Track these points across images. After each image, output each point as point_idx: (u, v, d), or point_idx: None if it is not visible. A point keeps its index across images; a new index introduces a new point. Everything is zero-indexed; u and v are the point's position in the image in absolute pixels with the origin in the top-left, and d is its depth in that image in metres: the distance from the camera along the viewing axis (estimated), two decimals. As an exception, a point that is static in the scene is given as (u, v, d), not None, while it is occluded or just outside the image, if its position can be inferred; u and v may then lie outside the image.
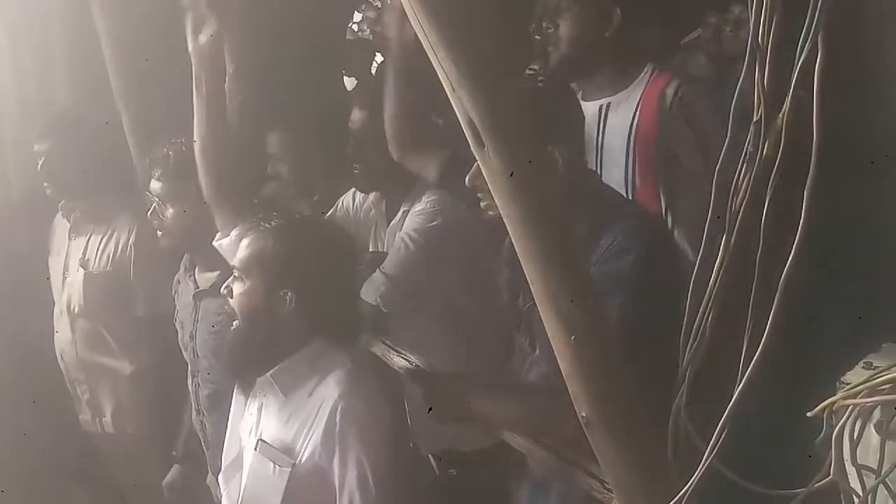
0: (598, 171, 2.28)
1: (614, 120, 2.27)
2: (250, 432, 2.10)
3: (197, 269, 2.65)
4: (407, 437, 2.05)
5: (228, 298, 2.06)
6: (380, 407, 2.00)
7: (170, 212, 2.55)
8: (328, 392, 1.97)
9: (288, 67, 3.00)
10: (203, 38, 2.23)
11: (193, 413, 2.73)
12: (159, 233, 2.61)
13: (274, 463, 2.00)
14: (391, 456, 1.97)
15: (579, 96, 2.37)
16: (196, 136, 2.34)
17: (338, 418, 1.93)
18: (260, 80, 2.70)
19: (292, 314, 1.98)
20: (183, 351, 2.73)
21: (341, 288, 2.08)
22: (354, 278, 2.19)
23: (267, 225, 2.02)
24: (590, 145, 2.29)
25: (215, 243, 2.38)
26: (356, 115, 2.56)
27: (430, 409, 2.01)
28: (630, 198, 2.25)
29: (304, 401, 2.00)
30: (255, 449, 2.04)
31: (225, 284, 2.10)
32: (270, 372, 2.03)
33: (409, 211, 2.51)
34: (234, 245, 2.15)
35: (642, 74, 2.27)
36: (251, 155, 2.57)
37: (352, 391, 1.96)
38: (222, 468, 2.19)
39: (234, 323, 2.07)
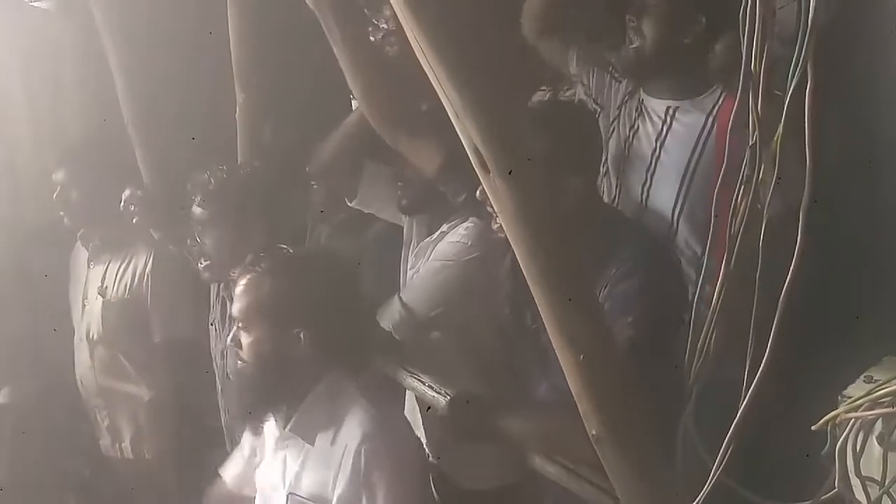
0: (653, 168, 2.29)
1: (681, 126, 2.26)
2: (276, 486, 2.05)
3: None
4: (425, 469, 2.03)
5: (238, 350, 1.99)
6: (404, 446, 1.96)
7: (209, 239, 2.53)
8: (351, 435, 1.92)
9: (298, 91, 3.03)
10: None
11: (229, 443, 2.73)
12: (201, 264, 2.57)
13: None
14: (419, 495, 1.94)
15: (642, 90, 2.37)
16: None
17: (362, 463, 1.88)
18: (272, 108, 2.74)
19: (306, 352, 1.92)
20: (214, 361, 2.75)
21: (347, 314, 2.00)
22: (358, 303, 2.09)
23: (258, 268, 1.96)
24: (648, 142, 2.30)
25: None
26: None
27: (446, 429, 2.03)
28: (682, 205, 2.24)
29: (328, 447, 1.95)
30: (286, 501, 1.99)
31: (231, 336, 2.03)
32: (289, 426, 1.98)
33: (446, 233, 2.41)
34: None
35: (713, 90, 2.25)
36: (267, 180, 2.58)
37: (374, 433, 1.90)
38: None
39: (239, 363, 2.00)
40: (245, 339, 1.96)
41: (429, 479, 2.02)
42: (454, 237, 2.38)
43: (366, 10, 2.62)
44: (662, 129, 2.30)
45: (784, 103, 1.22)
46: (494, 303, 2.27)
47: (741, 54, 1.35)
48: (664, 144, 2.29)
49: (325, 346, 1.94)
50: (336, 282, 2.00)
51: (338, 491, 1.91)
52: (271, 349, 1.93)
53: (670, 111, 2.29)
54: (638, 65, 2.30)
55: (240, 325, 1.97)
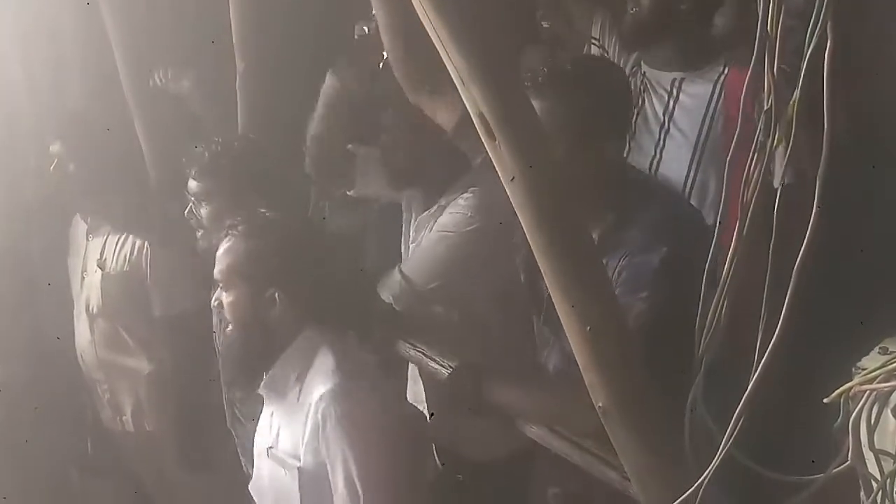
0: (661, 142, 2.27)
1: (689, 98, 2.26)
2: (264, 442, 2.11)
3: None
4: (409, 434, 2.01)
5: (221, 310, 2.06)
6: (366, 405, 1.95)
7: (204, 210, 2.55)
8: (314, 391, 1.95)
9: (299, 64, 3.00)
10: None
11: (228, 418, 2.74)
12: (198, 233, 2.59)
13: (284, 469, 2.01)
14: (380, 456, 1.92)
15: (643, 62, 2.36)
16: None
17: (320, 419, 1.91)
18: (272, 77, 2.71)
19: (283, 312, 1.98)
20: (214, 342, 2.75)
21: (323, 275, 2.05)
22: (333, 267, 2.12)
23: (236, 231, 2.02)
24: (655, 116, 2.29)
25: None
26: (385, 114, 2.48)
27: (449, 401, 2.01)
28: (694, 178, 2.22)
29: (296, 402, 2.00)
30: (268, 456, 2.06)
31: (214, 298, 2.11)
32: (263, 383, 2.05)
33: (445, 206, 2.41)
34: None
35: (718, 60, 2.25)
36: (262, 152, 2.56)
37: (334, 391, 1.92)
38: (252, 478, 2.19)
39: (228, 329, 2.07)
40: (226, 300, 2.04)
41: (404, 438, 2.00)
42: (454, 208, 2.37)
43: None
44: (669, 101, 2.28)
45: (802, 65, 1.18)
46: (497, 273, 2.25)
47: (753, 18, 1.31)
48: (672, 117, 2.27)
49: (300, 308, 2.00)
50: (312, 246, 2.06)
51: (307, 445, 1.95)
52: (250, 310, 2.00)
53: (676, 83, 2.28)
54: (636, 31, 2.31)
55: (220, 286, 2.05)
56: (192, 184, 2.55)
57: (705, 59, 2.26)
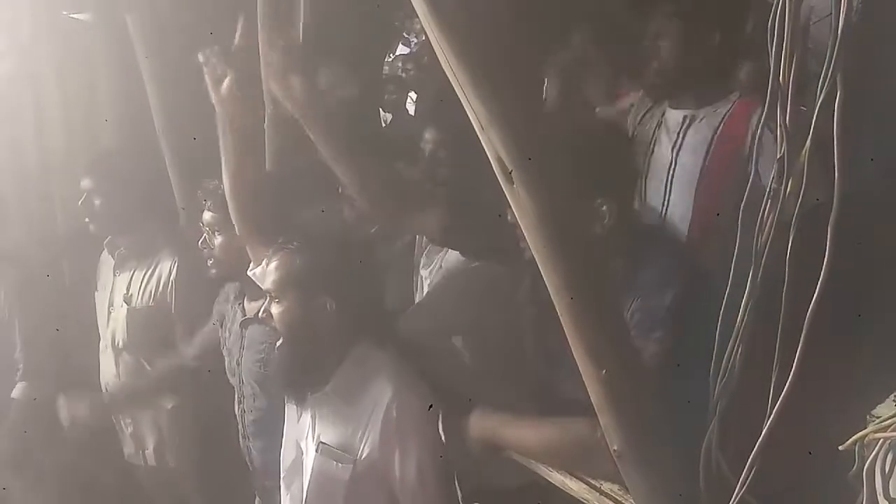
0: (669, 181, 2.31)
1: (694, 133, 2.29)
2: (306, 438, 2.25)
3: (245, 297, 2.70)
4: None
5: (269, 320, 2.17)
6: (428, 401, 2.14)
7: (218, 240, 2.62)
8: (381, 392, 2.12)
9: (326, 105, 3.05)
10: (223, 90, 2.30)
11: (240, 437, 2.77)
12: (209, 261, 2.67)
13: (336, 461, 2.16)
14: (441, 447, 2.13)
15: (667, 103, 2.40)
16: (225, 178, 2.41)
17: (394, 415, 2.09)
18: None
19: (334, 320, 2.11)
20: (230, 377, 2.78)
21: (371, 288, 2.21)
22: (380, 278, 2.30)
23: (290, 246, 2.15)
24: (665, 154, 2.33)
25: (250, 272, 2.45)
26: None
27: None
28: (693, 210, 2.26)
29: (358, 403, 2.15)
30: (317, 451, 2.20)
31: (262, 308, 2.21)
32: (327, 388, 2.17)
33: None
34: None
35: (729, 96, 2.28)
36: (290, 192, 2.60)
37: (403, 389, 2.12)
38: (282, 474, 2.33)
39: (278, 342, 2.18)
40: (276, 309, 2.15)
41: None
42: None
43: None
44: (678, 139, 2.31)
45: (812, 116, 1.20)
46: (504, 305, 2.28)
47: (767, 65, 1.33)
48: (679, 154, 2.30)
49: (349, 316, 2.13)
50: (358, 258, 2.19)
51: (368, 442, 2.12)
52: (301, 316, 2.13)
53: (686, 120, 2.31)
54: (662, 86, 2.37)
55: (272, 295, 2.16)
56: (207, 215, 2.63)
57: (721, 95, 2.29)
